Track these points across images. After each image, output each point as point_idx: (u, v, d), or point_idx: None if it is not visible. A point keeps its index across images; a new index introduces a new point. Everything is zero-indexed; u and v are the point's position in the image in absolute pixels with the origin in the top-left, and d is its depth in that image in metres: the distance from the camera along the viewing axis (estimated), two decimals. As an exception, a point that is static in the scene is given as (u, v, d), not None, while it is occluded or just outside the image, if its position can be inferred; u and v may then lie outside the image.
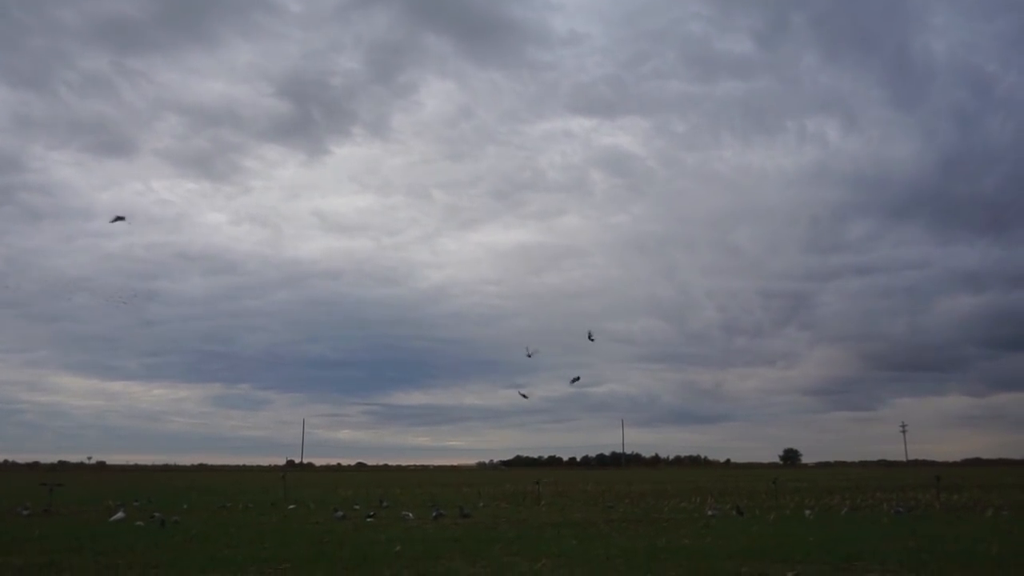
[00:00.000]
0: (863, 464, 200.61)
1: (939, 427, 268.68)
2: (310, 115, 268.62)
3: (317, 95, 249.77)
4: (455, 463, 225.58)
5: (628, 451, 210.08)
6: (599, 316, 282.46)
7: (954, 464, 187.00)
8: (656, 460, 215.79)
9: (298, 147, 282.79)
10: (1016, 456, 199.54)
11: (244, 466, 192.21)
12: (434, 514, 25.14)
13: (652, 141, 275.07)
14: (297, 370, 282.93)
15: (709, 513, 25.39)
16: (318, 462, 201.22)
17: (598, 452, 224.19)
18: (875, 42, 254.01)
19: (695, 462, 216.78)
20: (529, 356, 28.46)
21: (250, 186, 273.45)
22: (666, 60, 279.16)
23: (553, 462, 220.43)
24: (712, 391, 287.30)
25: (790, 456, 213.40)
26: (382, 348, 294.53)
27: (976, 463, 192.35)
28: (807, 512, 25.58)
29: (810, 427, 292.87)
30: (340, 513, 25.99)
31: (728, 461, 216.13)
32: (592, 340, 28.25)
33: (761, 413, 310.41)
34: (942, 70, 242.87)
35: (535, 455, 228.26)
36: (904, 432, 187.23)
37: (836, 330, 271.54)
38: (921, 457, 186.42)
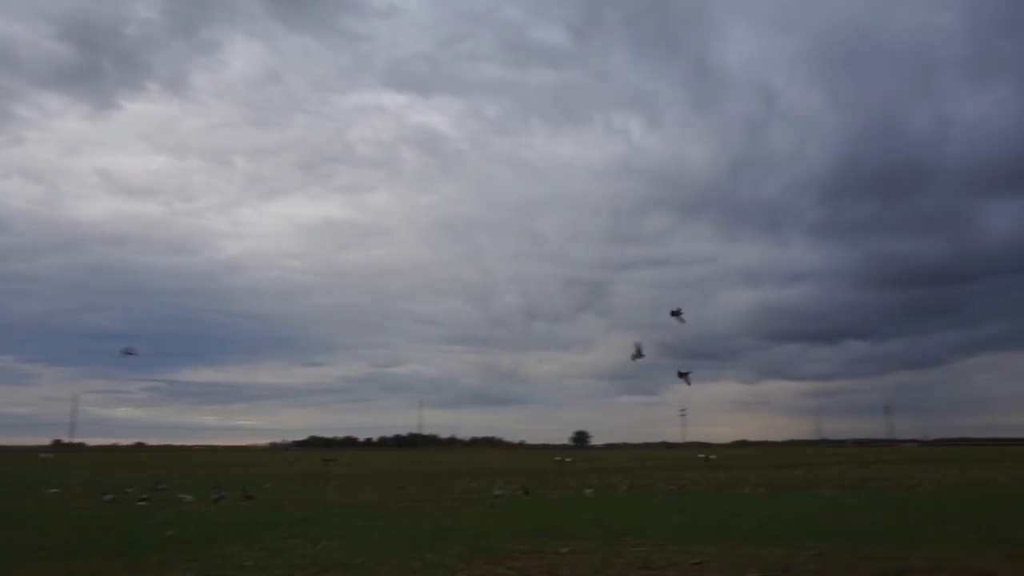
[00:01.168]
0: (646, 445, 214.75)
1: (714, 411, 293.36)
2: (98, 64, 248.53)
3: (107, 43, 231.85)
4: (246, 443, 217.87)
5: (426, 432, 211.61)
6: (404, 296, 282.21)
7: (725, 445, 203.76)
8: (453, 441, 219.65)
9: (82, 98, 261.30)
10: (777, 438, 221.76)
11: (3, 447, 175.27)
12: (214, 496, 24.28)
13: (465, 123, 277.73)
14: (70, 341, 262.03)
15: (496, 493, 26.28)
16: (91, 442, 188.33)
17: (395, 433, 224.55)
18: (679, 46, 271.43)
19: (491, 443, 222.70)
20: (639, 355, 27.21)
21: (22, 137, 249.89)
22: (482, 42, 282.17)
23: (349, 443, 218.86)
24: (511, 374, 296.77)
25: (580, 438, 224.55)
26: (170, 320, 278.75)
27: (743, 444, 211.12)
28: (588, 491, 27.06)
29: (601, 410, 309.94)
30: (109, 496, 24.46)
31: (522, 442, 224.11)
32: (679, 317, 26.63)
33: (556, 396, 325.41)
34: (736, 79, 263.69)
35: (331, 435, 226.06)
36: (683, 416, 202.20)
37: (629, 318, 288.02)
38: (697, 439, 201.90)
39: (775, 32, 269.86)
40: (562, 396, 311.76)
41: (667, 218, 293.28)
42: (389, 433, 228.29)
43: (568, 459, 53.16)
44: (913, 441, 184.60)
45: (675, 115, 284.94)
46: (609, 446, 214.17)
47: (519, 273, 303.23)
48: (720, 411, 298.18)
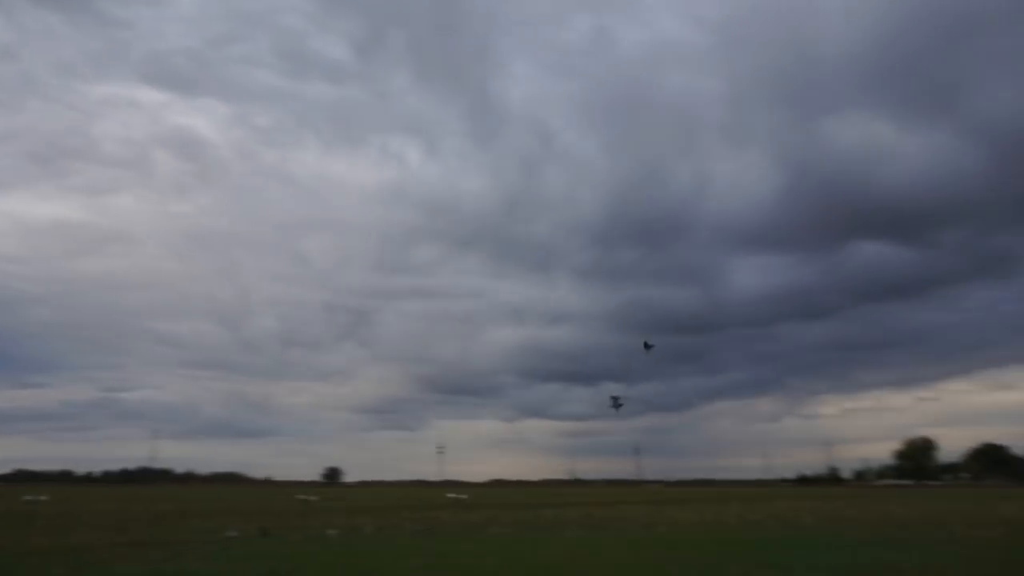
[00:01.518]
0: (401, 483, 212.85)
1: (473, 448, 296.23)
2: None
3: None
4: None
5: (159, 466, 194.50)
6: (143, 313, 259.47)
7: (481, 484, 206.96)
8: (190, 476, 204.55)
9: None
10: (533, 477, 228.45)
11: None
12: None
13: (230, 130, 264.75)
14: None
15: (229, 535, 24.49)
16: None
17: (123, 466, 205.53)
18: (462, 77, 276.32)
19: (233, 479, 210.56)
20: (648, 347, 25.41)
21: None
22: (257, 47, 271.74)
23: (64, 477, 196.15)
24: (261, 404, 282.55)
25: (332, 474, 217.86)
26: None
27: (499, 483, 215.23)
28: (332, 532, 25.96)
29: (356, 445, 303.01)
30: None
31: (268, 478, 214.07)
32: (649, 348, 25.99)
33: (309, 429, 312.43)
34: (515, 117, 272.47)
35: (42, 468, 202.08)
36: (441, 453, 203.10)
37: (393, 350, 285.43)
38: (454, 477, 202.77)
39: (557, 75, 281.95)
40: (316, 429, 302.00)
41: (437, 249, 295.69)
42: (115, 467, 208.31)
43: (313, 497, 51.16)
44: (658, 482, 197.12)
45: (453, 145, 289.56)
46: (362, 483, 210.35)
47: (278, 295, 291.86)
48: (478, 448, 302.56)
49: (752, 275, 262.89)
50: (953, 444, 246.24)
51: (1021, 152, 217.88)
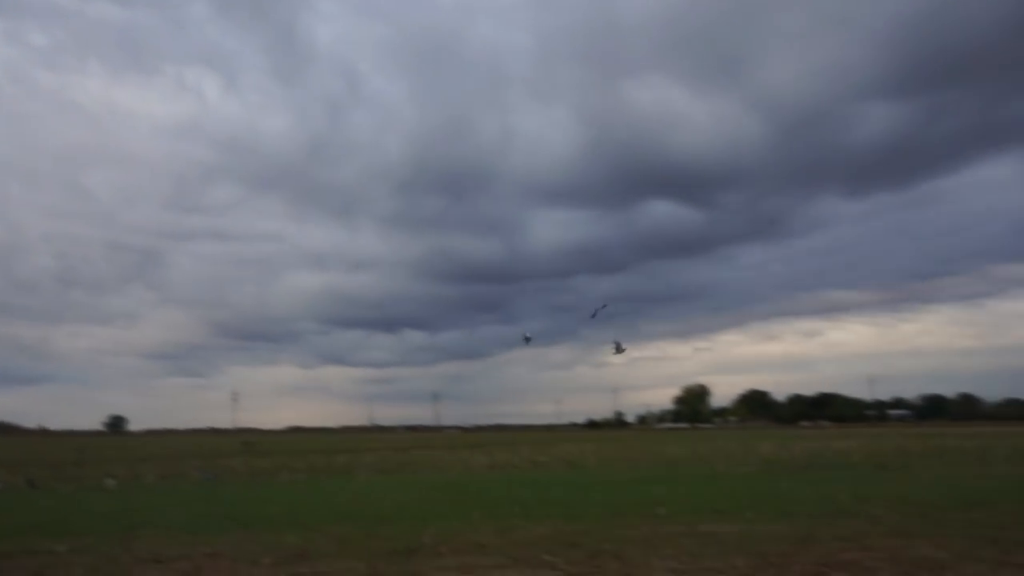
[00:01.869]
0: (193, 431, 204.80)
1: (270, 396, 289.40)
2: None
3: None
4: None
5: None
6: None
7: (278, 431, 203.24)
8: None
9: None
10: (333, 424, 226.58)
11: None
12: None
13: (1, 47, 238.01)
14: None
15: (-7, 487, 22.78)
16: None
17: None
18: (266, 9, 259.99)
19: (2, 429, 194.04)
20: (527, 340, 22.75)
21: None
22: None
23: None
24: (35, 348, 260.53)
25: (116, 423, 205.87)
26: None
27: (297, 430, 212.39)
28: (110, 482, 24.73)
29: (143, 392, 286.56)
30: None
31: (42, 428, 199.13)
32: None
33: (90, 376, 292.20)
34: (322, 56, 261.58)
35: None
36: (236, 400, 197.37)
37: (185, 293, 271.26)
38: (249, 425, 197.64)
39: (367, 17, 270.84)
40: (98, 376, 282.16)
41: (235, 190, 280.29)
42: None
43: (88, 446, 48.21)
44: (456, 427, 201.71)
45: (255, 82, 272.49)
46: (150, 432, 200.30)
47: (55, 231, 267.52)
48: (275, 396, 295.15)
49: (551, 229, 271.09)
50: (725, 390, 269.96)
51: (796, 124, 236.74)
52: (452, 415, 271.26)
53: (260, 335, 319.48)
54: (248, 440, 50.04)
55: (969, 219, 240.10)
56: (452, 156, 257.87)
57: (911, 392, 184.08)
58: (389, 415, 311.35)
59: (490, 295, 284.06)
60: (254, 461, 38.50)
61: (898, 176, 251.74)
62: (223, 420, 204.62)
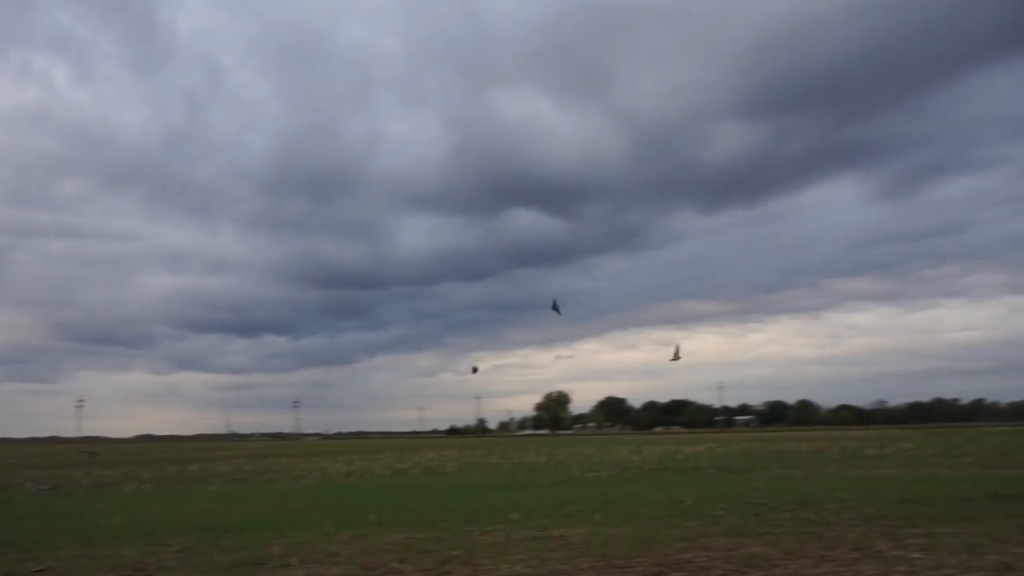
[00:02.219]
0: (33, 440, 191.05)
1: (119, 403, 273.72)
2: None
3: None
4: None
5: None
6: None
7: (126, 440, 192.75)
8: None
9: None
10: (186, 432, 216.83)
11: None
12: None
13: None
14: None
15: None
16: None
17: None
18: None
19: None
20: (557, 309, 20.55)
21: None
22: None
23: None
24: None
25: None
26: None
27: (148, 439, 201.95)
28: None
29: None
30: None
31: None
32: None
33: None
34: (183, 49, 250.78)
35: None
36: (81, 407, 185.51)
37: (27, 293, 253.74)
38: (96, 433, 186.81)
39: (231, 11, 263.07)
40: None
41: (85, 184, 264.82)
42: None
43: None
44: (316, 435, 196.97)
45: (109, 72, 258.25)
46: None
47: None
48: (126, 403, 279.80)
49: (418, 235, 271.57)
50: (584, 397, 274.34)
51: (655, 140, 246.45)
52: (313, 422, 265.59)
53: (111, 339, 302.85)
54: (92, 449, 46.85)
55: (810, 236, 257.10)
56: (318, 158, 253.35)
57: (756, 399, 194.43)
58: (247, 423, 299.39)
59: (354, 301, 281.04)
60: (98, 471, 36.36)
61: (748, 193, 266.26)
62: (67, 428, 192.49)
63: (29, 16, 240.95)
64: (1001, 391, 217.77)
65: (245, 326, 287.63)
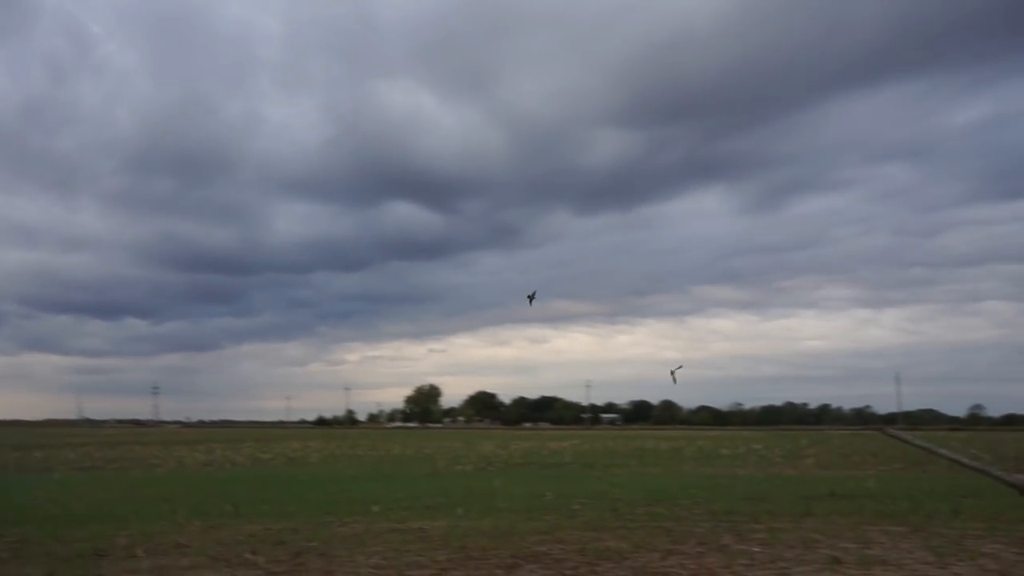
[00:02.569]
0: None
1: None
2: None
3: None
4: None
5: None
6: None
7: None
8: None
9: None
10: (33, 417, 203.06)
11: None
12: None
13: None
14: None
15: None
16: None
17: None
18: None
19: None
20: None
21: None
22: None
23: None
24: None
25: None
26: None
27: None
28: None
29: None
30: None
31: None
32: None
33: None
34: (48, 14, 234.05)
35: None
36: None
37: None
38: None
39: None
40: None
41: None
42: None
43: None
44: (176, 423, 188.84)
45: None
46: None
47: None
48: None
49: (292, 222, 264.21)
50: (455, 391, 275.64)
51: (534, 142, 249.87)
52: (174, 410, 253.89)
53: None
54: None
55: (678, 244, 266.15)
56: (189, 136, 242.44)
57: (622, 398, 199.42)
58: (101, 408, 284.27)
59: (222, 286, 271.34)
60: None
61: (622, 199, 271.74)
62: None
63: None
64: (845, 397, 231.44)
65: (103, 307, 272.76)
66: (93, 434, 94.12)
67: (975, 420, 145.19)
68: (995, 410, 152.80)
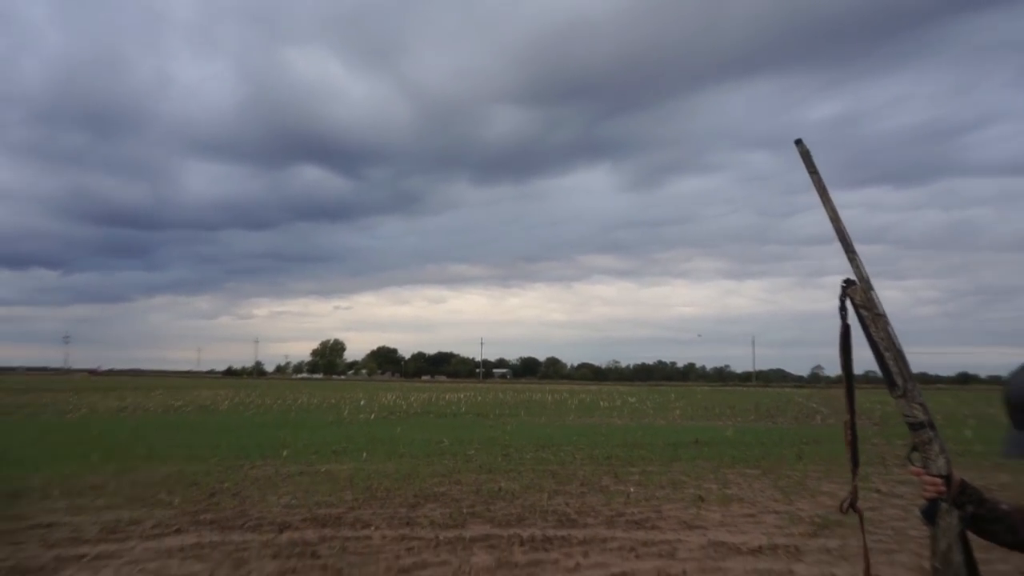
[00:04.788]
0: None
1: None
2: None
3: None
4: None
5: None
6: None
7: None
8: None
9: None
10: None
11: None
12: None
13: None
14: None
15: None
16: None
17: None
18: None
19: None
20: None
21: None
22: None
23: None
24: None
25: None
26: None
27: None
28: None
29: None
30: None
31: None
32: None
33: None
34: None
35: None
36: None
37: None
38: None
39: None
40: None
41: None
42: None
43: None
44: (87, 371, 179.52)
45: None
46: None
47: None
48: None
49: (203, 181, 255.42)
50: (359, 346, 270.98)
51: (438, 114, 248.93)
52: (84, 359, 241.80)
53: None
54: None
55: (567, 215, 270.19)
56: (102, 92, 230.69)
57: (512, 355, 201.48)
58: (10, 355, 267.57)
59: (133, 240, 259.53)
60: None
61: (518, 172, 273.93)
62: None
63: None
64: (708, 358, 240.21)
65: (11, 257, 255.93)
66: (2, 380, 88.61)
67: (816, 379, 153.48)
68: (832, 370, 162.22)
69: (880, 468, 12.25)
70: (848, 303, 2.14)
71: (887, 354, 2.07)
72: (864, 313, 2.11)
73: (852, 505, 2.16)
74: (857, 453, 2.16)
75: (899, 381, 2.04)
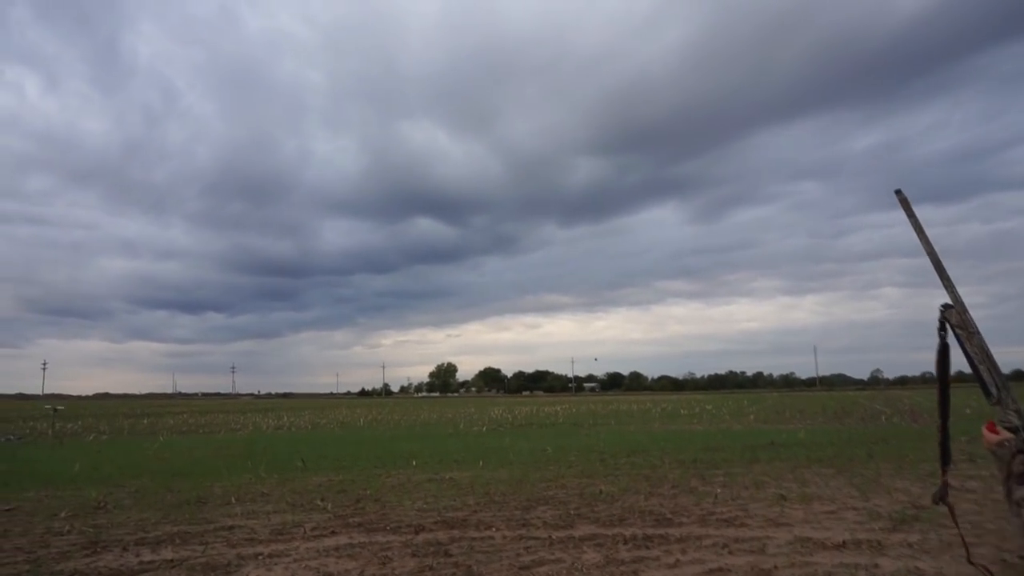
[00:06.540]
0: (2, 396, 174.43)
1: (79, 366, 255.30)
2: None
3: None
4: None
5: None
6: None
7: (86, 397, 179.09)
8: None
9: None
10: (138, 391, 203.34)
11: None
12: None
13: None
14: None
15: None
16: None
17: None
18: (89, 22, 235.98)
19: None
20: None
21: None
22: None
23: None
24: None
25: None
26: None
27: (105, 396, 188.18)
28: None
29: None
30: None
31: None
32: None
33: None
34: (142, 70, 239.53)
35: None
36: (44, 369, 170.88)
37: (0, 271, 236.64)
38: (58, 391, 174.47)
39: (184, 41, 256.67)
40: None
41: (50, 180, 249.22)
42: None
43: None
44: (250, 395, 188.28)
45: (76, 87, 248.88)
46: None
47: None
48: (85, 366, 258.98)
49: (337, 235, 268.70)
50: (468, 368, 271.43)
51: (526, 168, 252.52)
52: (247, 384, 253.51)
53: (72, 311, 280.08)
54: (55, 405, 42.96)
55: (641, 247, 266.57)
56: (255, 168, 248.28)
57: (599, 371, 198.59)
58: (191, 384, 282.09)
59: (283, 286, 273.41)
60: (61, 424, 33.52)
61: (596, 213, 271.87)
62: (33, 387, 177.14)
63: (3, 31, 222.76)
64: (774, 366, 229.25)
65: (189, 304, 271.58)
66: (186, 404, 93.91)
67: (875, 381, 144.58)
68: (891, 373, 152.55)
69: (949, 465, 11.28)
70: (947, 324, 2.02)
71: (981, 367, 2.01)
72: (960, 332, 1.99)
73: (942, 499, 2.18)
74: (948, 452, 2.23)
75: (993, 390, 1.97)
